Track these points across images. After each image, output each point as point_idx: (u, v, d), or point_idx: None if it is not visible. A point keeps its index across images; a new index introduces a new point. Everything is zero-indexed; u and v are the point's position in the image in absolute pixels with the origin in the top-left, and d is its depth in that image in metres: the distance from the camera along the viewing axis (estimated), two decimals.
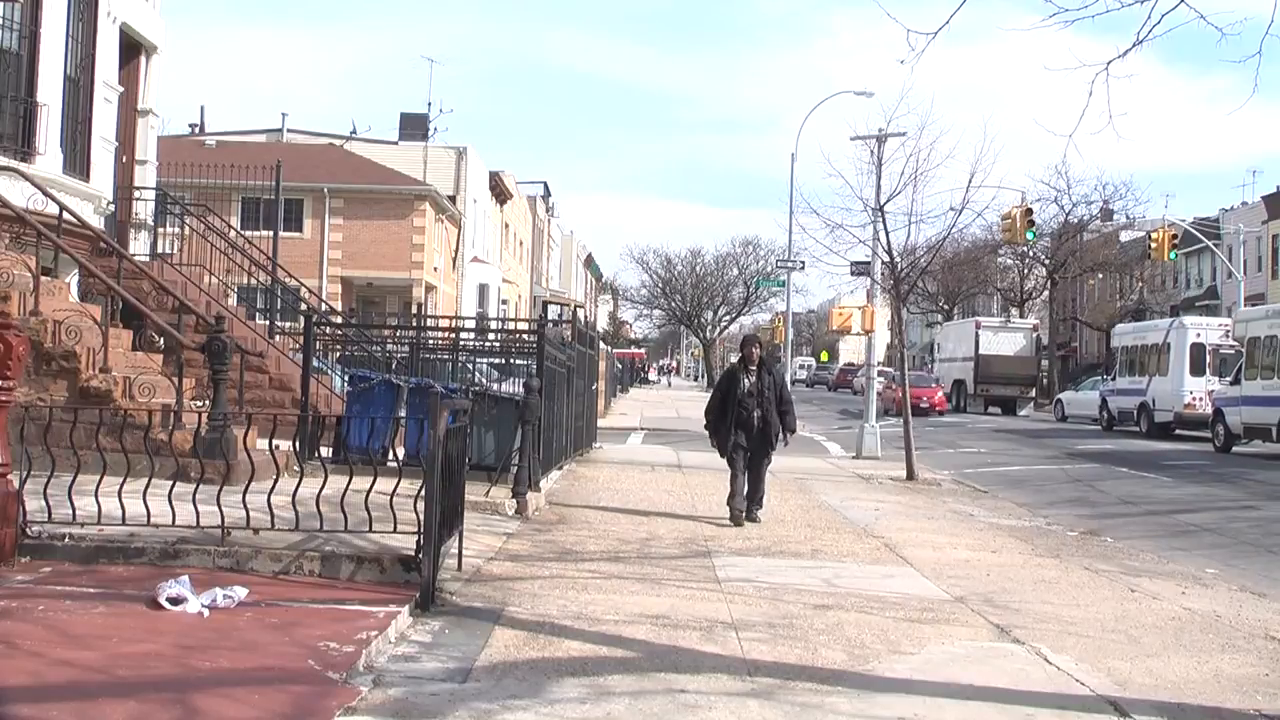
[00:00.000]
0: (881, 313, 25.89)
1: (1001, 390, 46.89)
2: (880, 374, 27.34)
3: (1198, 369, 30.57)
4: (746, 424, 11.94)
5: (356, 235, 37.79)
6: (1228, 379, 27.96)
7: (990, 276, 63.57)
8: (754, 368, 12.12)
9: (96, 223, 14.20)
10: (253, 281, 19.57)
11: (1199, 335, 31.21)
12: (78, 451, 7.94)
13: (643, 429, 29.19)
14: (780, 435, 12.19)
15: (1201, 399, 29.74)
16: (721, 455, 12.36)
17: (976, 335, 47.22)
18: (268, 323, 18.12)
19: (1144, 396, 32.48)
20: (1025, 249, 52.77)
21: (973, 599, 8.37)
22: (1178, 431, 30.93)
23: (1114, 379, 35.76)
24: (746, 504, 11.96)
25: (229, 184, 20.18)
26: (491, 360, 19.65)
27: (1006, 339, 47.22)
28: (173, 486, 7.62)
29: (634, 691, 5.47)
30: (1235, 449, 26.10)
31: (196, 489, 7.80)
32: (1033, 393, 48.75)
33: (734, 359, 14.71)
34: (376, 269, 38.13)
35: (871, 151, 21.34)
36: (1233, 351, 29.19)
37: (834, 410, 43.93)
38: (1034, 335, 48.85)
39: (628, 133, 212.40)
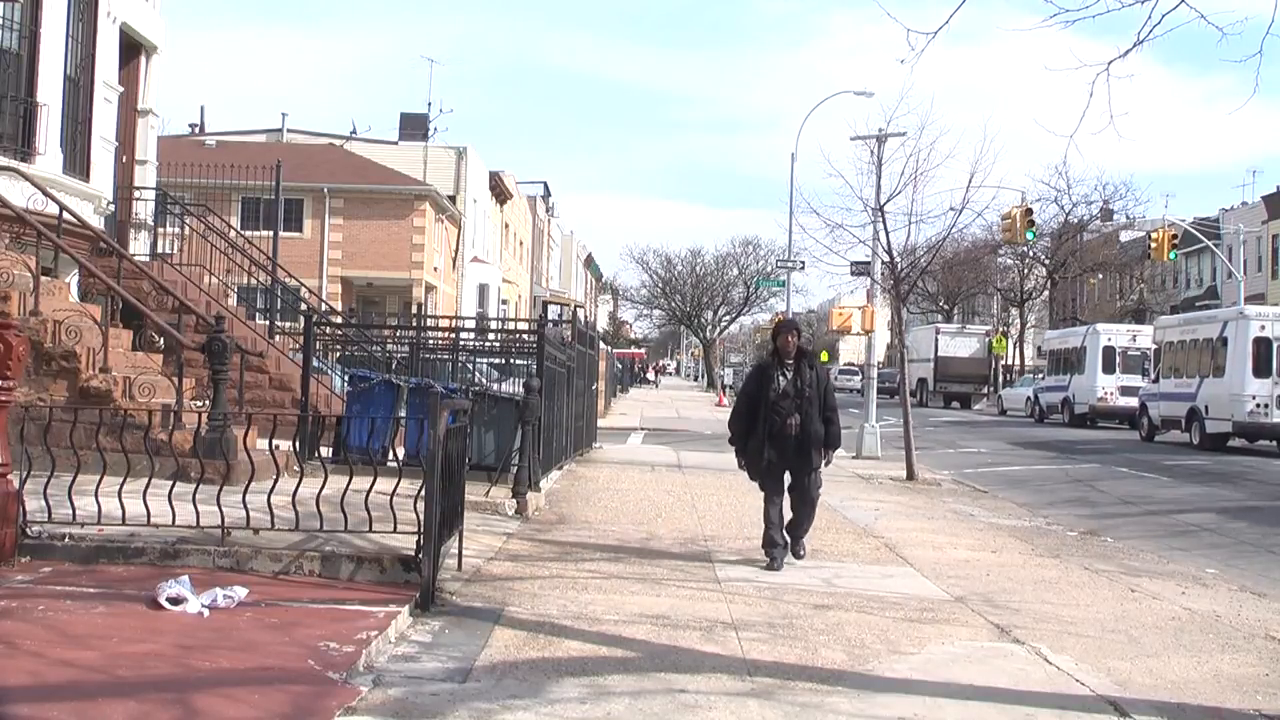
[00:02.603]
0: (881, 313, 25.86)
1: (958, 387, 52.65)
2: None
3: (1109, 368, 35.51)
4: (780, 434, 9.24)
5: (356, 235, 37.80)
6: (1149, 378, 31.33)
7: (990, 276, 63.66)
8: (791, 362, 9.40)
9: (96, 223, 14.20)
10: (253, 281, 19.57)
11: (1110, 340, 36.22)
12: (78, 451, 7.94)
13: (643, 429, 29.19)
14: (824, 447, 9.45)
15: (1112, 393, 34.98)
16: (752, 478, 9.65)
17: (936, 339, 52.45)
18: (268, 323, 18.11)
19: (1066, 392, 37.52)
20: (1025, 249, 53.34)
21: (973, 599, 8.37)
22: (1098, 422, 35.99)
23: (1043, 378, 41.42)
24: (790, 539, 9.53)
25: (229, 184, 20.20)
26: (491, 360, 19.66)
27: (962, 342, 53.05)
28: (173, 486, 7.62)
29: (634, 691, 5.47)
30: (1156, 439, 29.28)
31: (196, 489, 7.80)
32: (985, 389, 54.22)
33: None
34: (376, 269, 38.13)
35: (871, 151, 21.33)
36: (1139, 354, 34.50)
37: None
38: (986, 340, 54.83)
39: (628, 133, 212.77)
